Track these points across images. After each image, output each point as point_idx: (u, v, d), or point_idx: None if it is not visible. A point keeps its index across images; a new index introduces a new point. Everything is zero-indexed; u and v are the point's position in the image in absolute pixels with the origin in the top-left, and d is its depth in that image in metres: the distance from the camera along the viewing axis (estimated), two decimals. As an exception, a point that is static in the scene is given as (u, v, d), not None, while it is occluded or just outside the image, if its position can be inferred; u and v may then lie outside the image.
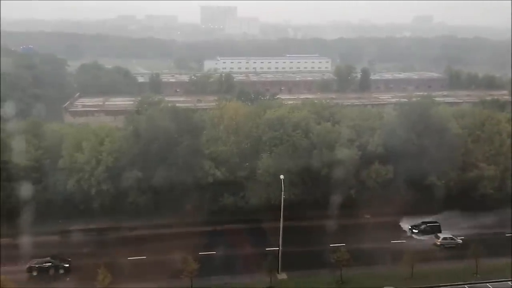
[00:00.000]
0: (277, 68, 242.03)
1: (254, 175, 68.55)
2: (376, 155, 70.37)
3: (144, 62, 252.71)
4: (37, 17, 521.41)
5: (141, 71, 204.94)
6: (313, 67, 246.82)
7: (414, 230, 66.85)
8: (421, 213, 68.46)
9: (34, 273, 55.50)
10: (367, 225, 68.53)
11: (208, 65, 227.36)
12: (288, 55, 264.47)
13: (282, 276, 56.85)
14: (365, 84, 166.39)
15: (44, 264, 56.00)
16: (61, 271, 56.13)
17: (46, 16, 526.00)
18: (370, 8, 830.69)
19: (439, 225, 66.67)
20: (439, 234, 65.05)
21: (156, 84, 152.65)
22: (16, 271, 54.93)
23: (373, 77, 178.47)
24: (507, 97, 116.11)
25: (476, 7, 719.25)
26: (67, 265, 56.64)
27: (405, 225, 68.49)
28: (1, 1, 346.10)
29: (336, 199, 66.94)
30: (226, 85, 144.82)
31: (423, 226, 66.88)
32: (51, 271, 55.88)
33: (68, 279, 55.41)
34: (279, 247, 57.10)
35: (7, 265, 55.06)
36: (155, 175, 64.64)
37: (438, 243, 63.90)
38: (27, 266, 55.90)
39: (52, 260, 56.54)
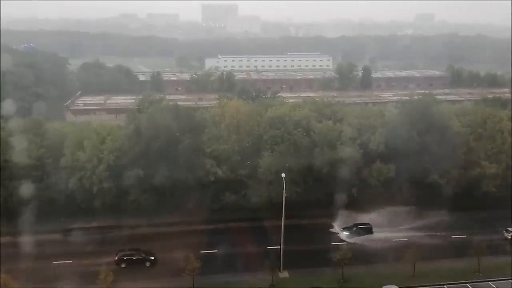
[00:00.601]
0: (278, 66, 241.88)
1: (255, 173, 68.55)
2: (377, 154, 70.29)
3: (145, 61, 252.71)
4: (39, 16, 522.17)
5: (142, 69, 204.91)
6: (314, 65, 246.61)
7: (345, 232, 65.55)
8: (421, 210, 68.25)
9: (123, 265, 57.35)
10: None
11: (209, 63, 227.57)
12: (289, 53, 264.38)
13: (284, 274, 56.86)
14: (366, 82, 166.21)
15: (132, 257, 57.90)
16: (147, 264, 58.13)
17: (48, 15, 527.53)
18: (371, 6, 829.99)
19: (371, 227, 65.60)
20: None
21: (157, 83, 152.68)
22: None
23: (374, 75, 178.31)
24: (509, 95, 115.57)
25: (478, 5, 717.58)
26: (153, 258, 58.49)
27: (338, 227, 67.31)
28: (4, 0, 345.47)
29: (337, 197, 67.02)
30: (227, 84, 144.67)
31: (354, 228, 65.66)
32: (139, 264, 57.82)
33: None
34: (280, 246, 57.10)
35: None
36: (156, 174, 64.63)
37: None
38: (116, 258, 57.59)
39: (139, 253, 58.64)
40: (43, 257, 57.91)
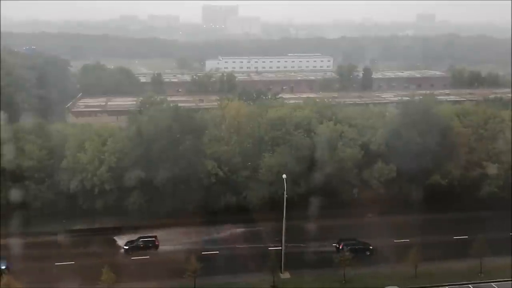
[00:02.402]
0: (279, 67, 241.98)
1: (256, 174, 68.52)
2: (378, 154, 70.26)
3: (146, 62, 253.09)
4: (40, 18, 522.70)
5: (143, 71, 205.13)
6: (315, 66, 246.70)
7: (125, 247, 61.55)
8: (421, 212, 68.15)
9: (347, 254, 58.59)
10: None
11: (210, 64, 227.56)
12: (290, 54, 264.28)
13: (285, 275, 56.81)
14: (367, 83, 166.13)
15: (354, 246, 60.39)
16: (367, 253, 60.88)
17: (49, 17, 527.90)
18: (372, 6, 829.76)
19: (154, 240, 61.83)
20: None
21: (158, 84, 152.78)
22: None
23: (375, 75, 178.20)
24: (510, 95, 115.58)
25: (479, 5, 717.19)
26: (371, 247, 61.22)
27: (122, 240, 63.29)
28: (4, 2, 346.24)
29: (339, 198, 66.94)
30: (228, 85, 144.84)
31: (138, 242, 61.74)
32: (360, 252, 59.93)
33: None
34: (282, 247, 57.07)
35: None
36: (157, 175, 64.67)
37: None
38: (340, 246, 60.32)
39: (358, 243, 61.49)
40: (45, 258, 58.08)
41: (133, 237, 62.95)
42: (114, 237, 64.26)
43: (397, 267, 57.73)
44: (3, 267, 55.47)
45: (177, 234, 64.81)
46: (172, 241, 63.32)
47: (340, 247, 60.52)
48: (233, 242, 63.47)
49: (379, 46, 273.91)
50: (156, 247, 61.85)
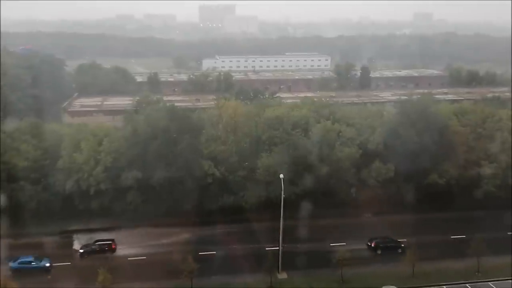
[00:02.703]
0: (276, 66, 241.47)
1: (253, 174, 68.14)
2: (376, 154, 70.00)
3: (142, 62, 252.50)
4: (35, 18, 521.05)
5: (139, 70, 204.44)
6: (312, 65, 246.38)
7: (80, 250, 60.46)
8: (419, 211, 67.90)
9: (378, 251, 61.44)
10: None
11: (207, 64, 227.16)
12: (287, 53, 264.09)
13: (283, 275, 56.57)
14: (365, 82, 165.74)
15: (387, 244, 62.01)
16: (399, 251, 61.09)
17: (45, 16, 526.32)
18: (369, 5, 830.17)
19: (111, 243, 60.83)
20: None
21: (154, 84, 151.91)
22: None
23: (373, 74, 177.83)
24: (508, 94, 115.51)
25: (476, 4, 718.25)
26: (403, 245, 61.48)
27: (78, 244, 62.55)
28: (1, 2, 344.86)
29: (336, 198, 66.59)
30: (225, 84, 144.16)
31: (94, 246, 60.85)
32: (392, 250, 61.39)
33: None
34: (279, 247, 56.74)
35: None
36: (154, 175, 64.25)
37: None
38: (372, 244, 61.79)
39: (390, 241, 62.72)
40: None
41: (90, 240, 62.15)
42: (74, 240, 63.52)
43: (394, 266, 57.51)
44: (47, 265, 56.61)
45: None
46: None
47: (372, 245, 61.69)
48: (229, 242, 63.10)
49: (377, 45, 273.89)
50: (113, 250, 60.65)
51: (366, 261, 59.19)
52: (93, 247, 60.68)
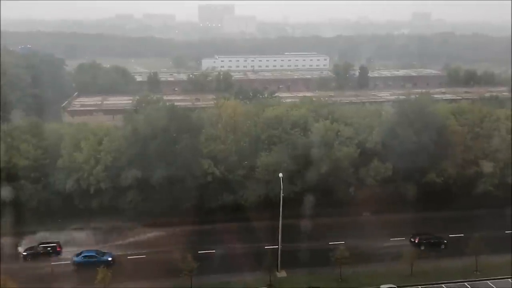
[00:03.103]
0: (275, 66, 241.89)
1: (253, 173, 68.46)
2: (374, 153, 70.34)
3: (142, 61, 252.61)
4: (35, 17, 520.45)
5: (139, 70, 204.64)
6: (311, 65, 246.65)
7: (24, 253, 59.31)
8: (417, 210, 68.24)
9: (422, 247, 62.21)
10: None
11: (206, 63, 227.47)
12: (286, 53, 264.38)
13: (282, 274, 56.88)
14: (363, 82, 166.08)
15: (429, 240, 63.29)
16: (442, 246, 62.84)
17: (45, 16, 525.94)
18: (368, 5, 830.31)
19: (56, 246, 59.84)
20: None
21: (154, 83, 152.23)
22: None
23: (371, 74, 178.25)
24: (506, 94, 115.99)
25: (474, 4, 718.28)
26: (445, 241, 62.92)
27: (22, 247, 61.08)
28: (1, 2, 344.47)
29: (335, 197, 66.81)
30: (224, 84, 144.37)
31: (38, 248, 59.52)
32: (435, 246, 62.77)
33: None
34: (278, 245, 57.07)
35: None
36: (153, 174, 64.56)
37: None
38: (415, 240, 62.84)
39: (433, 237, 63.83)
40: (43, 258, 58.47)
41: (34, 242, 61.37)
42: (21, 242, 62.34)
43: (393, 265, 57.84)
44: (109, 259, 57.87)
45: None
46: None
47: (416, 241, 62.80)
48: (228, 241, 63.35)
49: (375, 45, 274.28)
50: (58, 253, 59.94)
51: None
52: (37, 249, 59.57)
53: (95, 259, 57.02)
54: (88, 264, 56.08)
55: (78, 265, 57.19)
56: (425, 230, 65.16)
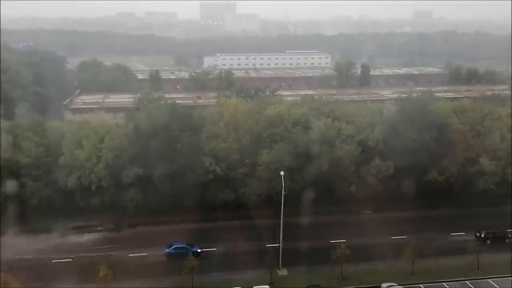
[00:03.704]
0: (277, 64, 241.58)
1: (254, 171, 68.55)
2: (376, 151, 70.37)
3: (144, 59, 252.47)
4: (37, 15, 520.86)
5: (141, 68, 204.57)
6: (313, 63, 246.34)
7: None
8: (418, 208, 68.14)
9: (488, 242, 62.88)
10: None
11: (208, 61, 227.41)
12: (287, 51, 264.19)
13: (283, 272, 56.95)
14: (365, 80, 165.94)
15: (496, 235, 63.85)
16: (507, 241, 63.33)
17: (47, 14, 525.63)
18: (370, 3, 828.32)
19: None
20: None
21: (156, 81, 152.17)
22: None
23: (373, 72, 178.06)
24: (508, 92, 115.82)
25: (476, 2, 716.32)
26: (510, 236, 63.63)
27: None
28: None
29: (336, 195, 66.81)
30: (226, 82, 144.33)
31: None
32: (501, 240, 63.37)
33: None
34: (279, 243, 57.14)
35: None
36: (155, 172, 64.67)
37: None
38: (482, 235, 63.38)
39: (499, 231, 64.48)
40: (43, 255, 58.35)
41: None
42: None
43: (394, 263, 57.87)
44: (198, 250, 59.52)
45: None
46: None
47: (482, 236, 63.54)
48: (229, 239, 63.43)
49: (377, 43, 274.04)
50: None
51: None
52: None
53: (186, 250, 58.55)
54: (178, 255, 57.53)
55: (169, 256, 59.15)
56: (424, 228, 64.79)
